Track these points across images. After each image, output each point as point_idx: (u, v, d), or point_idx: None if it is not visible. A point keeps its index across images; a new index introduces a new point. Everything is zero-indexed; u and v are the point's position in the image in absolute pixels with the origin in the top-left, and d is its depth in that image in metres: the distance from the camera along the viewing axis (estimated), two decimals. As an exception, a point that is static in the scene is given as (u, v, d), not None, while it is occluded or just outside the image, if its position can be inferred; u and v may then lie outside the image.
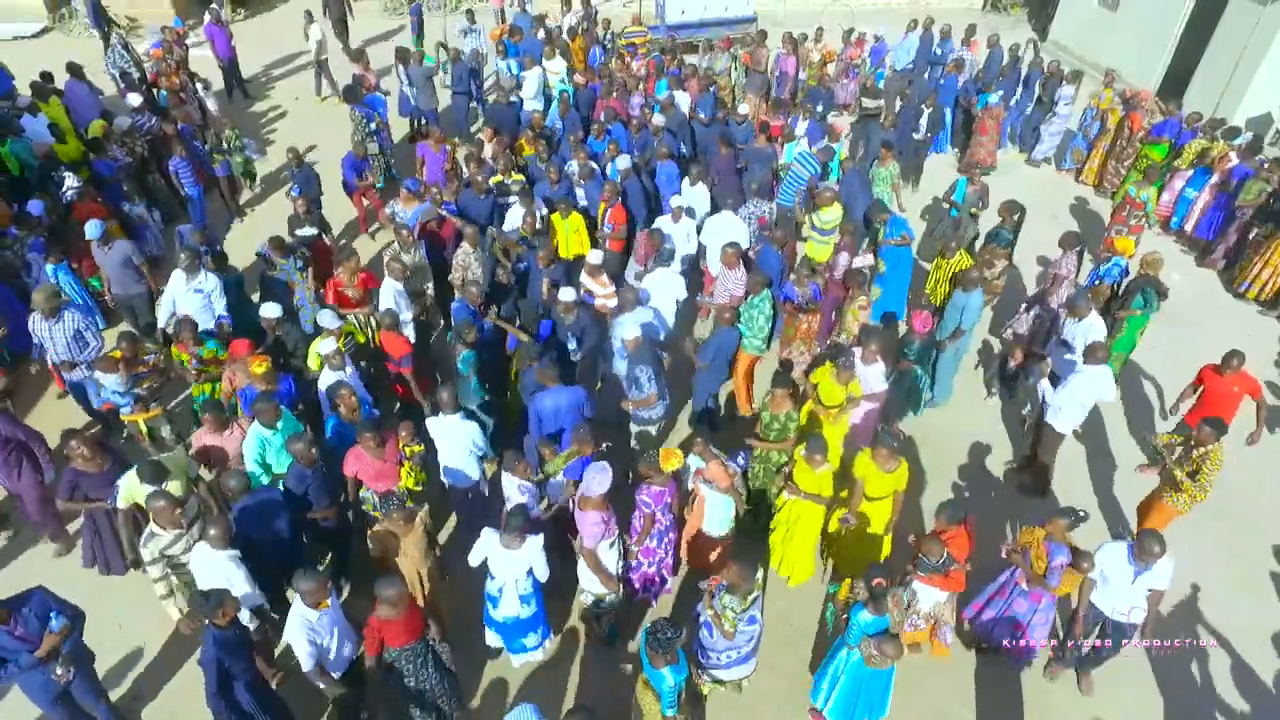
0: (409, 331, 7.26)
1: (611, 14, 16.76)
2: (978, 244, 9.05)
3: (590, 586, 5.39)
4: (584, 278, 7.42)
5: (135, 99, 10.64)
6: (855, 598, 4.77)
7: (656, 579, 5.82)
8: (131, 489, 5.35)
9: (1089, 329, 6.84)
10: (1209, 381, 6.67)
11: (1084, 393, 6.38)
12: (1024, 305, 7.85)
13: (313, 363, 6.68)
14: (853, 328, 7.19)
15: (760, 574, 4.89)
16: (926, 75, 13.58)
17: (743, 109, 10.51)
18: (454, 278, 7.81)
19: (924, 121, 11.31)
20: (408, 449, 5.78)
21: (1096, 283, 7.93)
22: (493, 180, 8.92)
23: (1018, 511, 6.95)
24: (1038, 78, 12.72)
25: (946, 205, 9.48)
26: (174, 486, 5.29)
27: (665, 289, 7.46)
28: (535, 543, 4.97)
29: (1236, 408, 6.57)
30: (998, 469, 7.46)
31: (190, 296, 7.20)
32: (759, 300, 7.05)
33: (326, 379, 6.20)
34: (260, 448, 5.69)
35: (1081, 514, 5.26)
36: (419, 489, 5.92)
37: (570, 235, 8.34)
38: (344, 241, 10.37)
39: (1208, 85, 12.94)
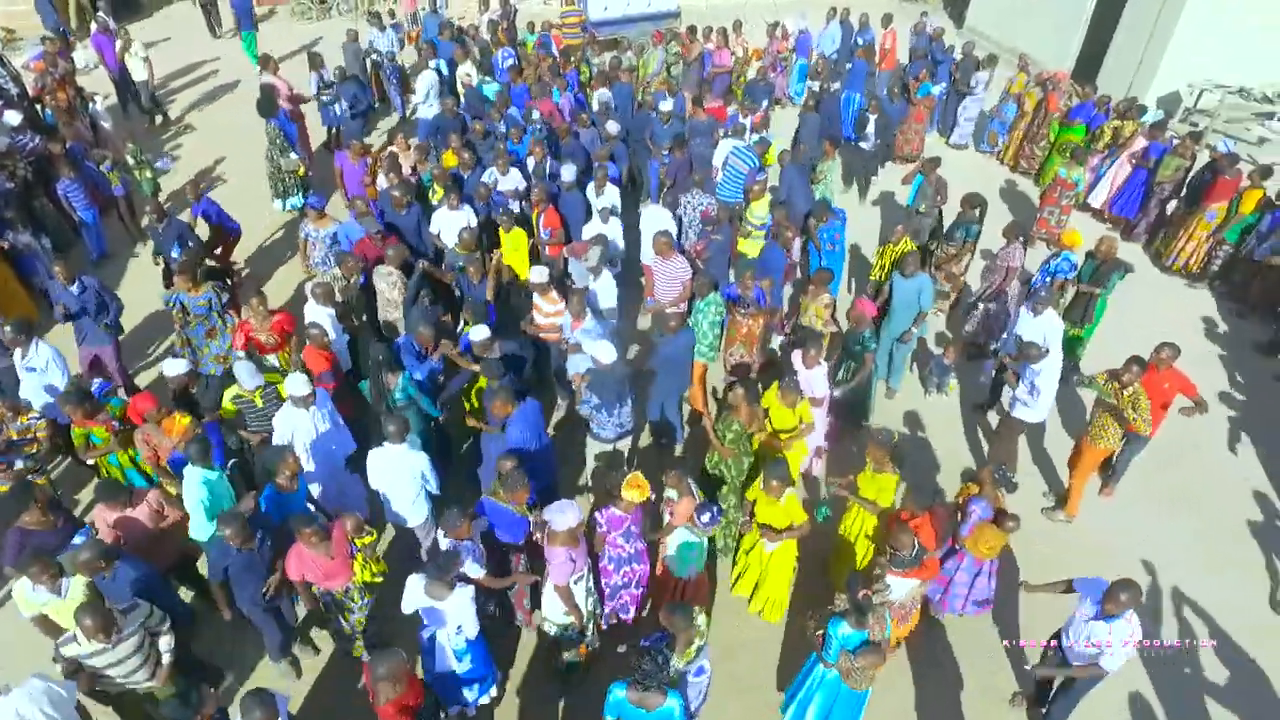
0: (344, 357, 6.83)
1: (531, 13, 16.32)
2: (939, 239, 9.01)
3: (554, 616, 5.05)
4: (535, 296, 7.01)
5: (14, 116, 9.73)
6: (832, 610, 4.56)
7: (617, 610, 5.50)
8: (27, 599, 4.51)
9: (1047, 326, 6.68)
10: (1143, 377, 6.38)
11: (1051, 379, 6.34)
12: (974, 301, 7.83)
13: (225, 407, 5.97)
14: (819, 325, 7.02)
15: (702, 620, 4.47)
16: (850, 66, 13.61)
17: (664, 106, 10.19)
18: (390, 317, 7.43)
19: (871, 130, 11.00)
20: (358, 540, 5.01)
21: (1048, 280, 7.81)
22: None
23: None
24: (949, 64, 12.97)
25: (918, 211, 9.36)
26: (76, 591, 4.52)
27: (608, 292, 7.22)
28: (463, 594, 4.54)
29: (1170, 402, 6.45)
30: (957, 461, 7.42)
31: (26, 378, 6.34)
32: (704, 305, 6.82)
33: (283, 421, 5.57)
34: (208, 491, 5.04)
35: (1011, 478, 5.25)
36: (378, 580, 5.18)
37: (511, 253, 7.92)
38: (245, 270, 9.41)
39: (1119, 66, 13.35)
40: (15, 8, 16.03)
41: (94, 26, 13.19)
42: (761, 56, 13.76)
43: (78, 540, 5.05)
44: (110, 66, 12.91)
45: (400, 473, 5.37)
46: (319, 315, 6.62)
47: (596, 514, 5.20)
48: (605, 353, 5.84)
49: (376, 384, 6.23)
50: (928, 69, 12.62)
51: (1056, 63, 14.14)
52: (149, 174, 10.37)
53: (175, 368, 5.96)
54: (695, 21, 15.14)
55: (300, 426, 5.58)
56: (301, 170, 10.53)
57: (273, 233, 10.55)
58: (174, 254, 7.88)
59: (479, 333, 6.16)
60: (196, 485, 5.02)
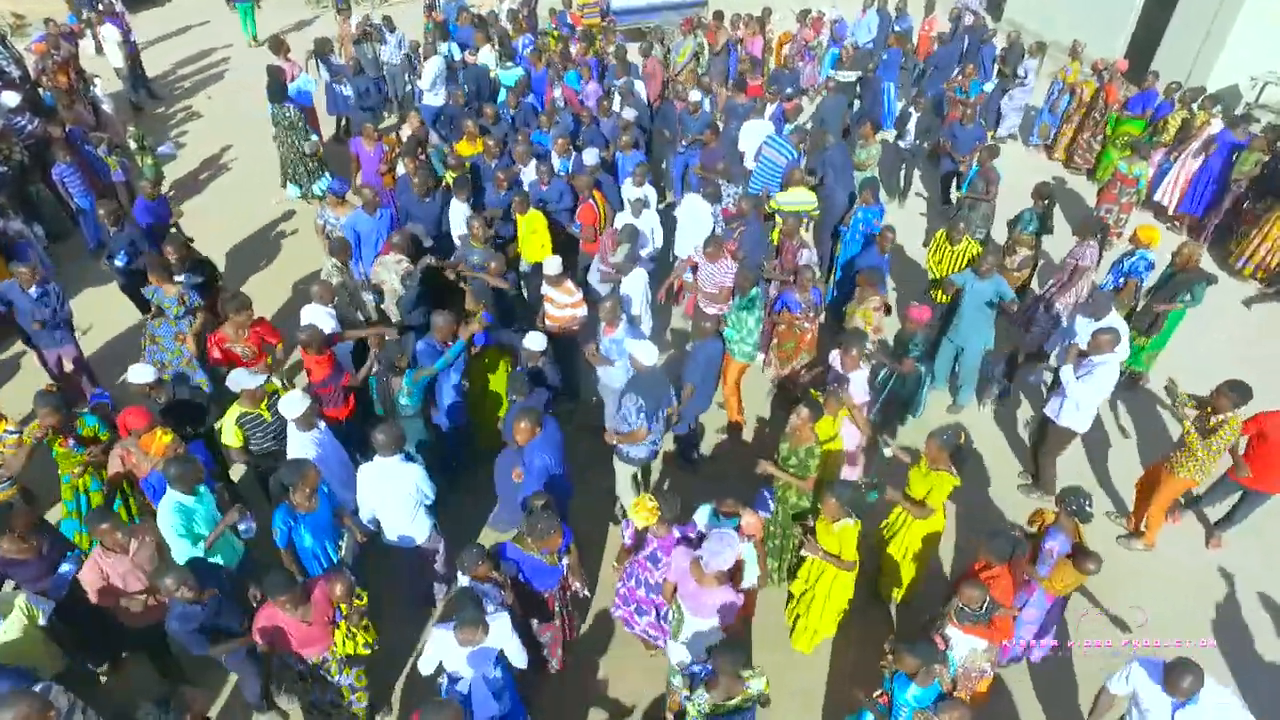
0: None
1: (552, 1, 15.74)
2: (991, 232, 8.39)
3: (685, 661, 4.33)
4: (546, 287, 6.42)
5: (12, 97, 9.24)
6: (890, 667, 3.92)
7: (648, 628, 4.86)
8: None
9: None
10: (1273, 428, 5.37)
11: (1105, 384, 5.67)
12: (1037, 302, 7.14)
13: (229, 437, 5.25)
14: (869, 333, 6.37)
15: (757, 685, 3.84)
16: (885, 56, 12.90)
17: (694, 95, 9.54)
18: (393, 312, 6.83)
19: (911, 127, 10.12)
20: (343, 605, 4.18)
21: (1122, 281, 7.12)
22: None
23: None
24: (992, 53, 12.24)
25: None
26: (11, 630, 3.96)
27: (638, 290, 6.57)
28: (502, 624, 3.97)
29: None
30: (1005, 477, 6.75)
31: None
32: (748, 300, 6.20)
33: (298, 444, 4.95)
34: (182, 520, 4.44)
35: (1086, 505, 4.66)
36: (368, 651, 4.34)
37: (529, 236, 7.30)
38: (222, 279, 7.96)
39: (1173, 59, 12.55)
40: (24, -8, 15.60)
41: (100, 8, 12.72)
42: (790, 42, 13.14)
43: (64, 569, 4.49)
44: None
45: (395, 488, 4.75)
46: (317, 315, 6.00)
47: (626, 528, 4.67)
48: (647, 353, 5.23)
49: (382, 388, 5.64)
50: (975, 64, 11.88)
51: (1103, 55, 13.34)
52: (150, 160, 9.87)
53: (140, 374, 5.32)
54: (723, 10, 14.51)
55: (308, 451, 4.95)
56: (320, 152, 10.04)
57: (273, 223, 10.01)
58: (120, 262, 7.14)
59: (534, 340, 5.55)
60: (170, 513, 4.42)
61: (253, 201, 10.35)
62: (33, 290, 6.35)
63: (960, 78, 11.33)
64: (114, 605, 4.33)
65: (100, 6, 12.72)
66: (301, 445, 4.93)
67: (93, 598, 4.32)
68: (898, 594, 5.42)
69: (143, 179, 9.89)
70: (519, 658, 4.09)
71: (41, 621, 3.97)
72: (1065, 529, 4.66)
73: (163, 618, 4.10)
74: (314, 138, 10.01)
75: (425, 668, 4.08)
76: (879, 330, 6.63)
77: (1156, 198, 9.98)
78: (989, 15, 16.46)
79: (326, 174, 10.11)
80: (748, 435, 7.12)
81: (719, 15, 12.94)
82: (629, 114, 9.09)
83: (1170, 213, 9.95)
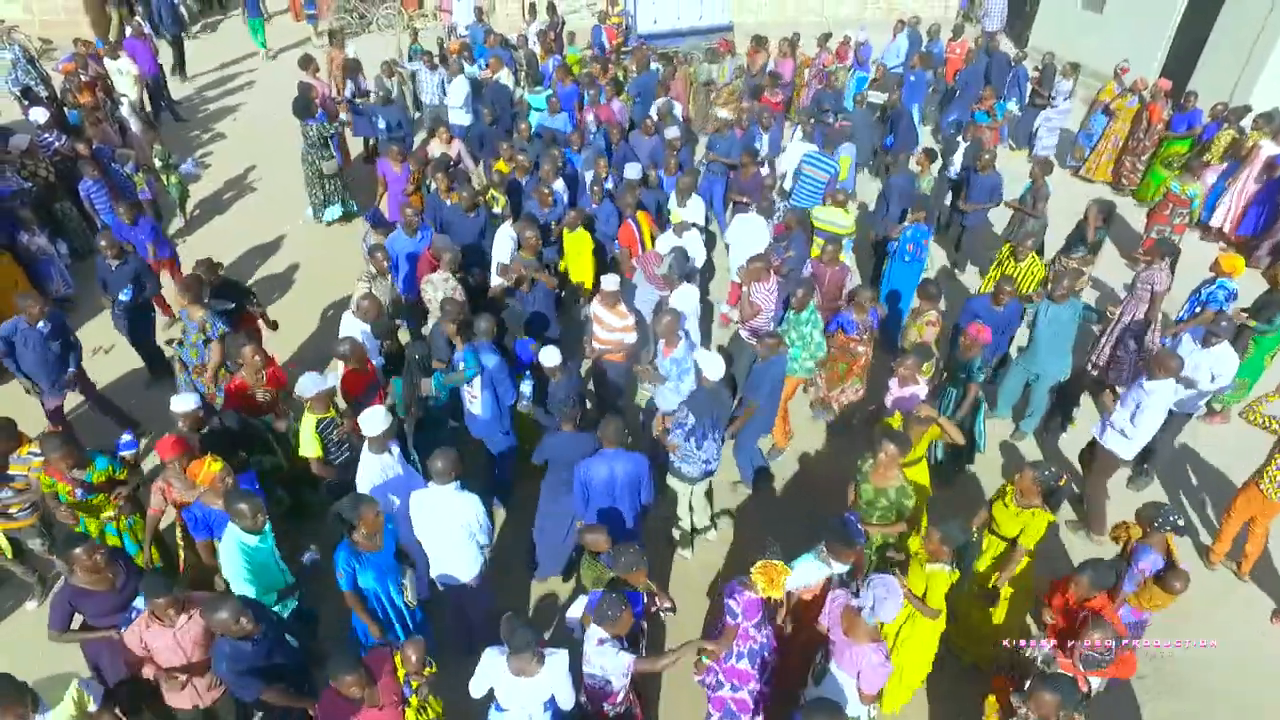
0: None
1: (578, 25, 15.76)
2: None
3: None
4: (596, 307, 6.15)
5: (41, 114, 9.12)
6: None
7: (749, 708, 4.28)
8: None
9: (1219, 361, 5.70)
10: None
11: (1161, 409, 5.31)
12: (1106, 329, 6.84)
13: (308, 448, 4.90)
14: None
15: None
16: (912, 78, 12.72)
17: (722, 114, 9.37)
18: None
19: (957, 158, 9.44)
20: (414, 679, 3.73)
21: (1197, 310, 6.75)
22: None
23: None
24: (1025, 75, 12.10)
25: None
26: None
27: (689, 307, 6.28)
28: (557, 662, 3.63)
29: None
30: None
31: None
32: (809, 314, 5.91)
33: (369, 469, 4.62)
34: (245, 560, 4.08)
35: (1174, 517, 4.33)
36: None
37: (576, 256, 7.07)
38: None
39: (1211, 81, 12.34)
40: (52, 17, 15.69)
41: (128, 31, 12.73)
42: (809, 66, 13.04)
43: (141, 604, 3.98)
44: (144, 71, 12.37)
45: (449, 519, 4.36)
46: (353, 330, 5.76)
47: (727, 599, 4.03)
48: (715, 367, 4.93)
49: (408, 388, 5.37)
50: (1000, 86, 11.73)
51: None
52: (175, 179, 9.75)
53: (184, 403, 4.89)
54: (744, 40, 14.48)
55: (379, 476, 4.64)
56: (340, 172, 9.82)
57: (295, 245, 9.79)
58: (125, 296, 6.65)
59: (549, 356, 5.27)
60: (234, 551, 4.06)
61: (275, 222, 10.18)
62: (40, 325, 5.85)
63: (983, 101, 11.07)
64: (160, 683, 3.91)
65: (129, 31, 12.71)
66: (372, 469, 4.60)
67: (124, 665, 3.95)
68: (971, 654, 4.95)
69: (169, 198, 9.85)
70: (567, 700, 3.74)
71: (91, 709, 3.61)
72: (1156, 546, 4.31)
73: (214, 705, 3.73)
74: (335, 159, 9.76)
75: (475, 690, 3.74)
76: (927, 341, 6.34)
77: (1213, 222, 9.68)
78: (1012, 43, 16.42)
79: (341, 201, 9.96)
80: (790, 460, 6.79)
81: (758, 38, 12.88)
82: (672, 133, 8.89)
83: (1231, 239, 9.63)
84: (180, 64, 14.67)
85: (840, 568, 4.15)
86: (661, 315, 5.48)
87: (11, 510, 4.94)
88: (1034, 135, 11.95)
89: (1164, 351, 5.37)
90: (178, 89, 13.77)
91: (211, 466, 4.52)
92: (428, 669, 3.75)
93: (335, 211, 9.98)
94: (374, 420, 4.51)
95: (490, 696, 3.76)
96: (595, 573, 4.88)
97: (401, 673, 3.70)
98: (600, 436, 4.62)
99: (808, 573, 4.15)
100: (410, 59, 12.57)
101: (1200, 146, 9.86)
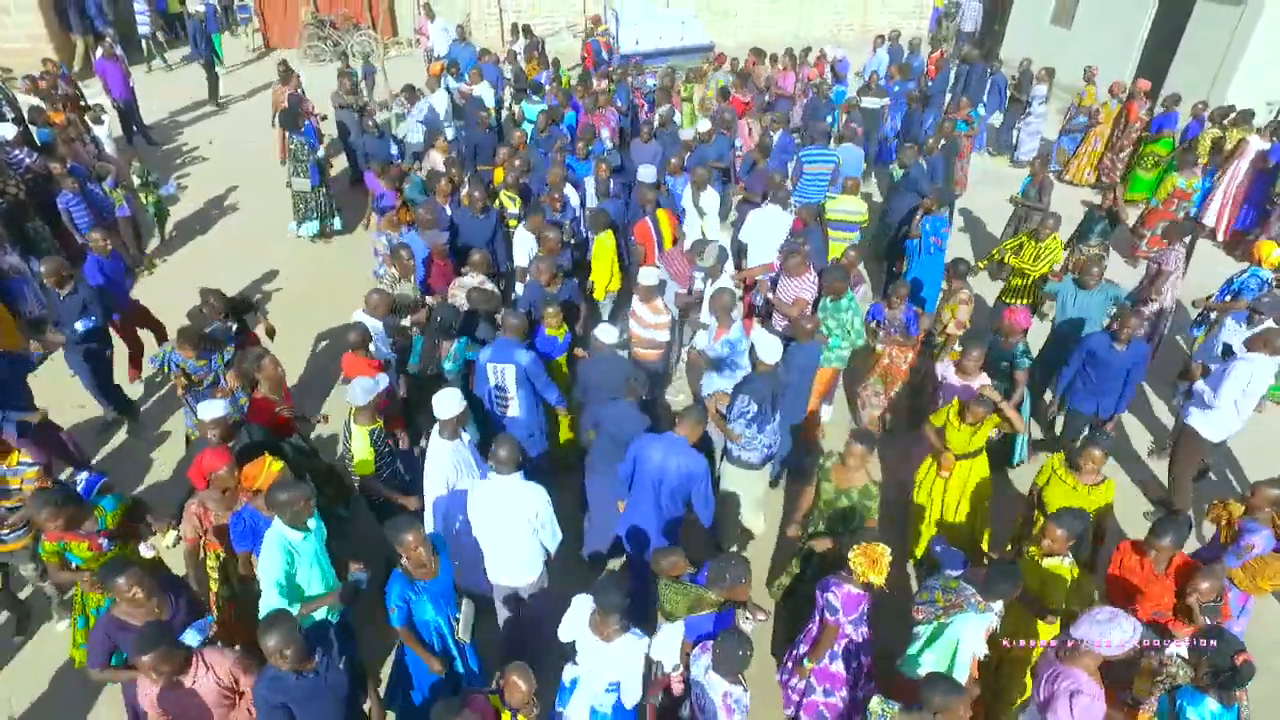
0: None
1: (560, 48, 15.76)
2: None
3: None
4: (634, 303, 5.93)
5: (9, 129, 8.69)
6: (1166, 682, 3.28)
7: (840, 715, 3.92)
8: None
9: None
10: None
11: (1249, 384, 5.22)
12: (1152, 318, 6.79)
13: (362, 458, 4.44)
14: (951, 327, 5.92)
15: None
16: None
17: (702, 125, 9.27)
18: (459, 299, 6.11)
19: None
20: (522, 714, 3.26)
21: (1226, 298, 6.69)
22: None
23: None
24: (1003, 82, 12.39)
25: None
26: None
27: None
28: (633, 645, 3.31)
29: None
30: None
31: None
32: (848, 300, 5.75)
33: (437, 456, 4.24)
34: (287, 559, 3.64)
35: None
36: None
37: (601, 259, 6.87)
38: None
39: (1187, 82, 12.67)
40: (14, 45, 15.15)
41: (99, 53, 12.30)
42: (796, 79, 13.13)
43: (190, 637, 3.42)
44: (115, 94, 11.96)
45: (512, 512, 3.94)
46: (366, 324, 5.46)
47: (823, 593, 3.68)
48: (772, 349, 4.69)
49: (430, 347, 5.14)
50: (969, 95, 11.88)
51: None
52: (153, 198, 9.35)
53: (213, 409, 4.44)
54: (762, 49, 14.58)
55: (447, 467, 4.25)
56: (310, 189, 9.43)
57: (279, 263, 9.39)
58: (83, 326, 6.08)
59: (606, 333, 5.06)
60: (276, 551, 3.62)
61: (257, 242, 9.80)
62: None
63: (957, 111, 11.10)
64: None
65: (100, 50, 12.29)
66: (443, 458, 4.23)
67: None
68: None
69: (147, 216, 9.42)
70: (632, 692, 3.42)
71: None
72: (1267, 522, 4.13)
73: None
74: (310, 180, 9.27)
75: (563, 634, 3.59)
76: (962, 325, 6.19)
77: (1205, 220, 9.82)
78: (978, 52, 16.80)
79: (320, 218, 9.63)
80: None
81: (758, 51, 12.98)
82: (686, 135, 8.84)
83: (1222, 238, 9.79)
84: (214, 90, 14.45)
85: (998, 606, 3.64)
86: (720, 295, 5.27)
87: (1, 532, 4.46)
88: (1015, 141, 12.17)
89: (1272, 328, 5.25)
90: (150, 113, 13.30)
91: (273, 467, 4.11)
92: (535, 706, 3.25)
93: (312, 228, 9.65)
94: (447, 401, 4.13)
95: None
96: (686, 598, 3.69)
97: (506, 716, 3.24)
98: (676, 420, 4.32)
99: (976, 633, 3.56)
100: (364, 77, 12.58)
101: (1187, 144, 10.05)
